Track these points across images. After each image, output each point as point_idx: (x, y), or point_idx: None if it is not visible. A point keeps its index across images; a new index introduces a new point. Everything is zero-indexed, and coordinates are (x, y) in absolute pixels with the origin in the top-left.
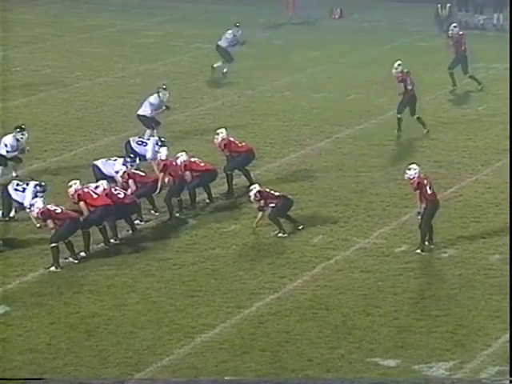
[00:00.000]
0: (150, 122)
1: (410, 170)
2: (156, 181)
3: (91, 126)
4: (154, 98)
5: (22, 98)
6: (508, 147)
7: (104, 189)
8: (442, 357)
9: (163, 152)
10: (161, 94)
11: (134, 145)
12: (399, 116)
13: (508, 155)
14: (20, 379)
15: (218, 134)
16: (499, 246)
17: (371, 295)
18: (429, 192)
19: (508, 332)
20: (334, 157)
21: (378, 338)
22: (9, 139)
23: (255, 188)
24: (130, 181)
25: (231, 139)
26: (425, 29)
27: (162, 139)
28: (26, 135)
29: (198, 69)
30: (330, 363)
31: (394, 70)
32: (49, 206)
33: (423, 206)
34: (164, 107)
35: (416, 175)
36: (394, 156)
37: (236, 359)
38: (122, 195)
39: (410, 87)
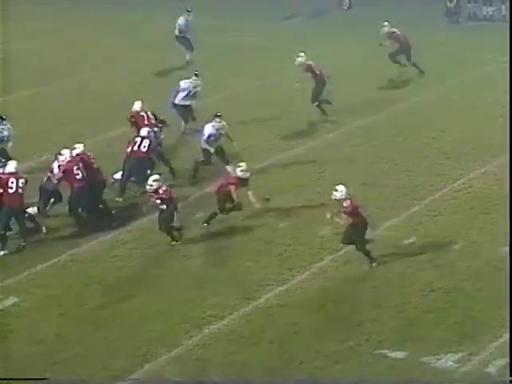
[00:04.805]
0: (186, 112)
1: (336, 191)
2: None
3: (102, 116)
4: (184, 83)
5: (32, 88)
6: None
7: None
8: (450, 349)
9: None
10: (193, 81)
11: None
12: (316, 104)
13: None
14: (20, 379)
15: None
16: (508, 237)
17: (379, 287)
18: (360, 213)
19: None
20: (343, 148)
21: (386, 330)
22: None
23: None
24: None
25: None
26: (433, 21)
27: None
28: (8, 126)
29: (210, 59)
30: (339, 355)
31: (298, 59)
32: None
33: (352, 228)
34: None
35: (345, 196)
36: (403, 148)
37: (244, 351)
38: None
39: (318, 72)
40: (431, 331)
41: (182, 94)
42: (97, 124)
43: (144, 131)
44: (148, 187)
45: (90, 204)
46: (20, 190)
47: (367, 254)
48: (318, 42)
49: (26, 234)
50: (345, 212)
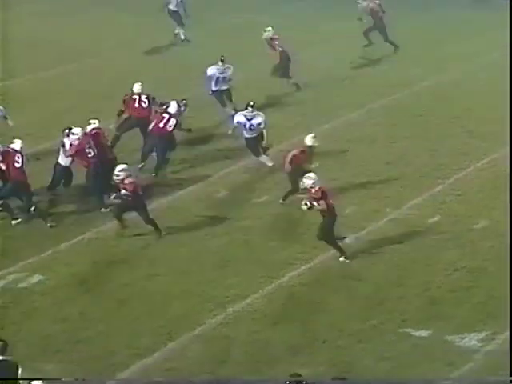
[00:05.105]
0: (221, 97)
1: (307, 178)
2: None
3: (121, 96)
4: (210, 70)
5: (53, 68)
6: None
7: None
8: (474, 328)
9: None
10: (219, 67)
11: None
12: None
13: None
14: (20, 379)
15: None
16: None
17: (403, 266)
18: (330, 201)
19: None
20: (366, 128)
21: (410, 308)
22: None
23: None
24: None
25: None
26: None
27: None
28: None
29: (226, 38)
30: (362, 334)
31: (265, 34)
32: None
33: (323, 217)
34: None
35: (315, 184)
36: (426, 126)
37: (267, 329)
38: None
39: (281, 49)
40: (455, 310)
41: (212, 81)
42: (116, 104)
43: (173, 108)
44: (115, 177)
45: (103, 181)
46: (24, 167)
47: (335, 245)
48: (338, 20)
49: (29, 209)
50: (314, 199)
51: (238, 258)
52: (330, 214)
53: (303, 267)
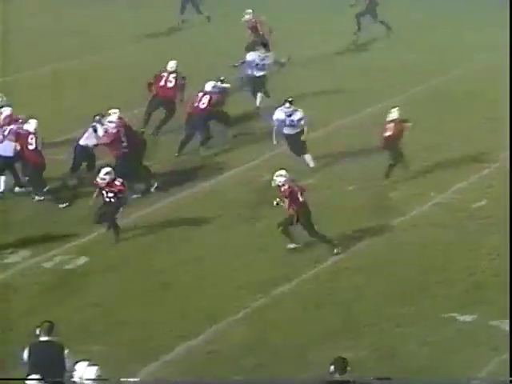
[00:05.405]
0: (255, 84)
1: (278, 176)
2: None
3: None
4: (250, 56)
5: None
6: None
7: None
8: None
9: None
10: (261, 54)
11: None
12: None
13: None
14: (20, 379)
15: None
16: None
17: (447, 250)
18: (300, 200)
19: None
20: (407, 112)
21: (454, 293)
22: None
23: None
24: None
25: None
26: None
27: None
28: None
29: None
30: (405, 318)
31: (245, 17)
32: None
33: (295, 217)
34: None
35: (285, 182)
36: (470, 111)
37: (310, 313)
38: None
39: (261, 32)
40: (499, 295)
41: (249, 66)
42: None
43: (208, 86)
44: (100, 180)
45: (135, 167)
46: (39, 148)
47: (324, 239)
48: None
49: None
50: (285, 197)
51: (282, 242)
52: (301, 209)
53: (347, 250)
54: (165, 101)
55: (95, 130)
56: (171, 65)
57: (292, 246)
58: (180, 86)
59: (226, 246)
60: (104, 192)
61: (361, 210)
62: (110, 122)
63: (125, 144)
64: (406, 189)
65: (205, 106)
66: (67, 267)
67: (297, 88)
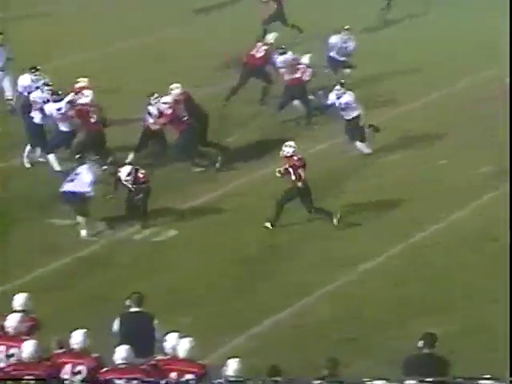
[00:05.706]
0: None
1: (287, 146)
2: None
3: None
4: (333, 39)
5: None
6: None
7: None
8: None
9: None
10: (344, 36)
11: None
12: None
13: None
14: (20, 379)
15: None
16: None
17: None
18: (303, 174)
19: None
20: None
21: None
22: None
23: None
24: None
25: None
26: None
27: None
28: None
29: None
30: (496, 294)
31: None
32: None
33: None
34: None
35: (294, 153)
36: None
37: (399, 288)
38: None
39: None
40: None
41: (332, 51)
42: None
43: (306, 58)
44: (124, 181)
45: (200, 141)
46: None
47: (324, 212)
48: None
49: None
50: (296, 167)
51: (368, 218)
52: (305, 185)
53: (435, 226)
54: (255, 70)
55: (149, 113)
56: (270, 37)
57: (268, 224)
58: (269, 56)
59: (311, 222)
60: (131, 189)
61: (452, 184)
62: (164, 103)
63: (186, 118)
64: (496, 163)
65: (308, 78)
66: (156, 239)
67: None
